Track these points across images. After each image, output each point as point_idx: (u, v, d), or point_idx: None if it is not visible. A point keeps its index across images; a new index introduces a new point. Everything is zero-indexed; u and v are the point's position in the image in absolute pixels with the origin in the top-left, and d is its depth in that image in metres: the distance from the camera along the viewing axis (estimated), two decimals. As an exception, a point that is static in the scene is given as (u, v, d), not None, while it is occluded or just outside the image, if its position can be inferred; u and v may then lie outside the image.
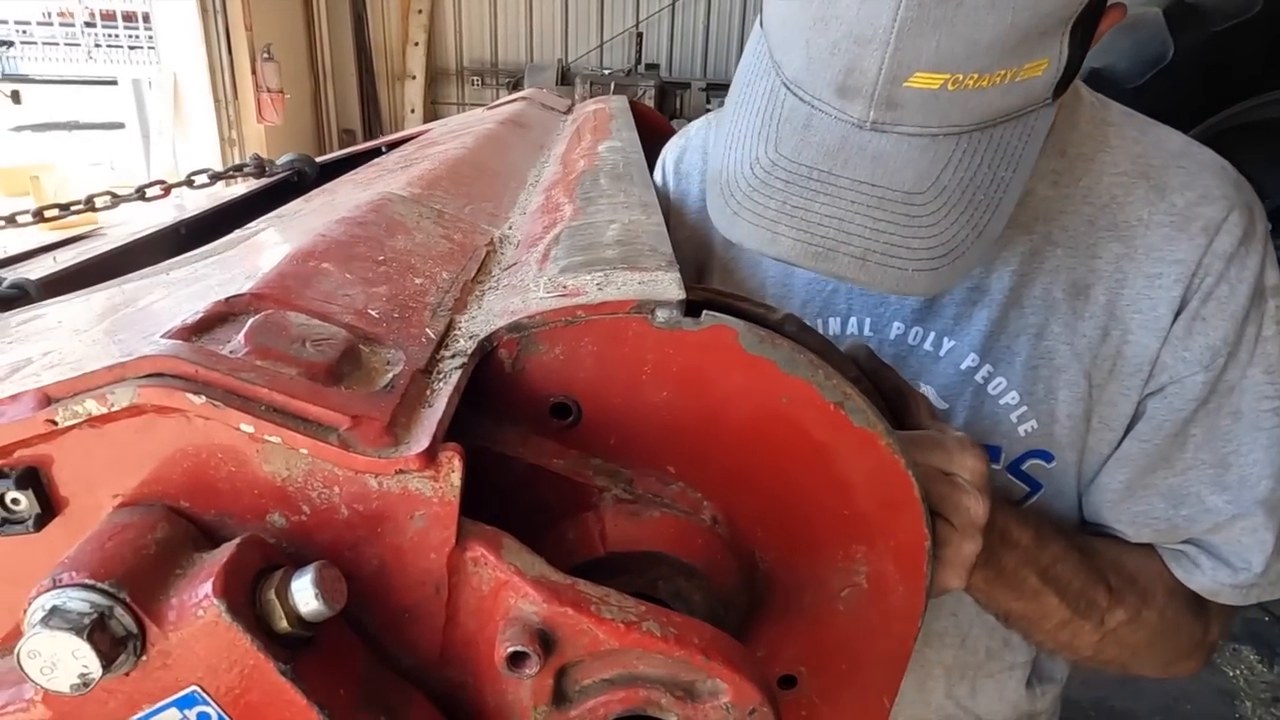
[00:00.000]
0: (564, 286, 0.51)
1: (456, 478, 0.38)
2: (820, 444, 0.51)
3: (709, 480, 0.52)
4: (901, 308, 0.83)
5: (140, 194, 1.54)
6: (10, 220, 1.40)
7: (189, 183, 1.54)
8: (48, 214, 1.43)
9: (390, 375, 0.41)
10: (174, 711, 0.34)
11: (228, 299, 0.42)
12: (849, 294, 0.85)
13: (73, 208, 1.44)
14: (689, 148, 1.03)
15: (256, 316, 0.40)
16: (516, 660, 0.39)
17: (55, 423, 0.35)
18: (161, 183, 1.56)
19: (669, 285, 0.50)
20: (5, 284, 0.88)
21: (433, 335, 0.47)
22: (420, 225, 0.66)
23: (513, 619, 0.39)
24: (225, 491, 0.38)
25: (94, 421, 0.36)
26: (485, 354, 0.48)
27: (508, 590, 0.40)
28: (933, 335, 0.82)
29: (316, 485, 0.38)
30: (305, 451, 0.36)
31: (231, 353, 0.38)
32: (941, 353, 0.81)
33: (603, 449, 0.51)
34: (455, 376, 0.43)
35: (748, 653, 0.42)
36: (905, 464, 0.52)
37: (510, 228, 0.76)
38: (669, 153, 1.05)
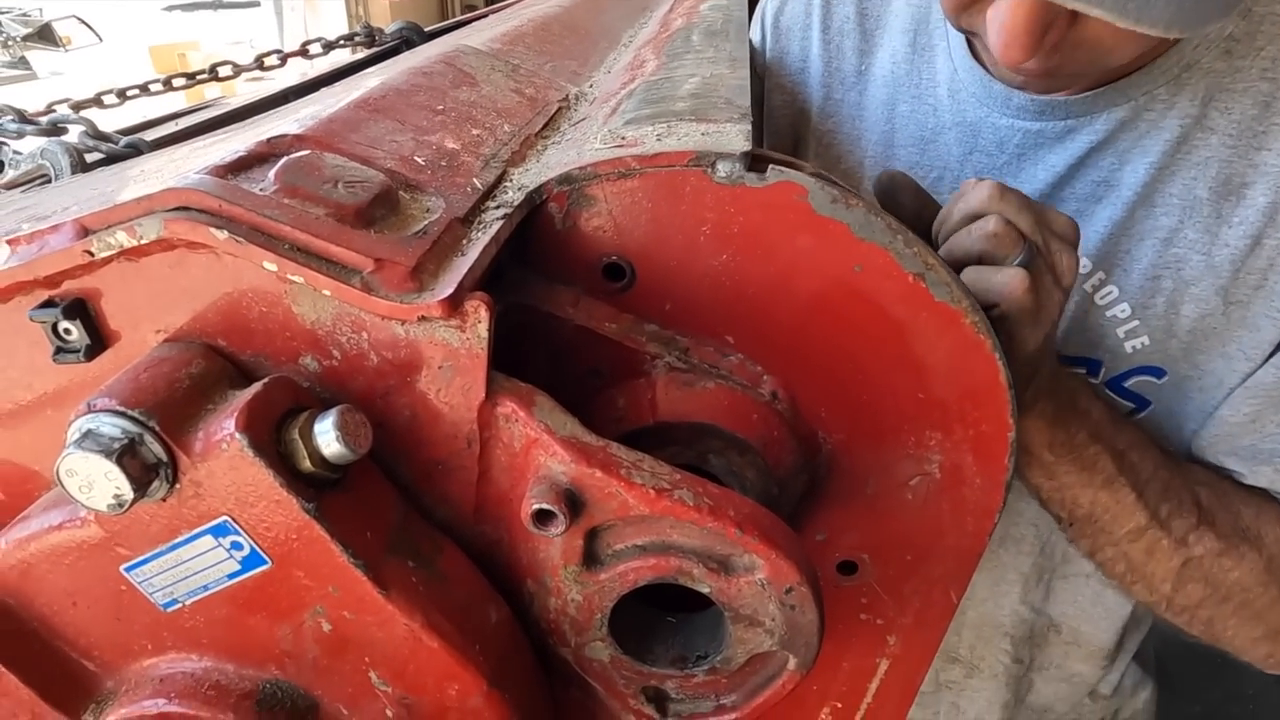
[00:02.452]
0: (622, 138, 0.48)
1: (483, 328, 0.36)
2: (896, 320, 0.46)
3: (770, 353, 0.49)
4: None
5: (259, 63, 1.57)
6: (144, 89, 1.46)
7: (304, 52, 1.56)
8: (175, 83, 1.48)
9: (426, 222, 0.39)
10: (209, 539, 0.35)
11: (269, 139, 0.41)
12: (954, 180, 0.76)
13: (198, 77, 1.49)
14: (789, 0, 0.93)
15: (290, 155, 0.39)
16: (542, 518, 0.38)
17: (91, 254, 0.35)
18: (279, 52, 1.58)
19: (734, 137, 0.45)
20: (122, 143, 0.92)
21: (480, 185, 0.45)
22: (490, 78, 0.63)
23: (541, 477, 0.38)
24: (259, 332, 0.37)
25: (129, 254, 0.36)
26: (534, 208, 0.45)
27: (537, 448, 0.38)
28: None
29: (345, 330, 0.37)
30: (328, 293, 0.35)
31: (261, 190, 0.37)
32: None
33: (658, 314, 0.48)
34: (495, 227, 0.41)
35: (788, 530, 0.40)
36: (992, 345, 0.46)
37: (591, 85, 0.71)
38: (767, 5, 0.95)
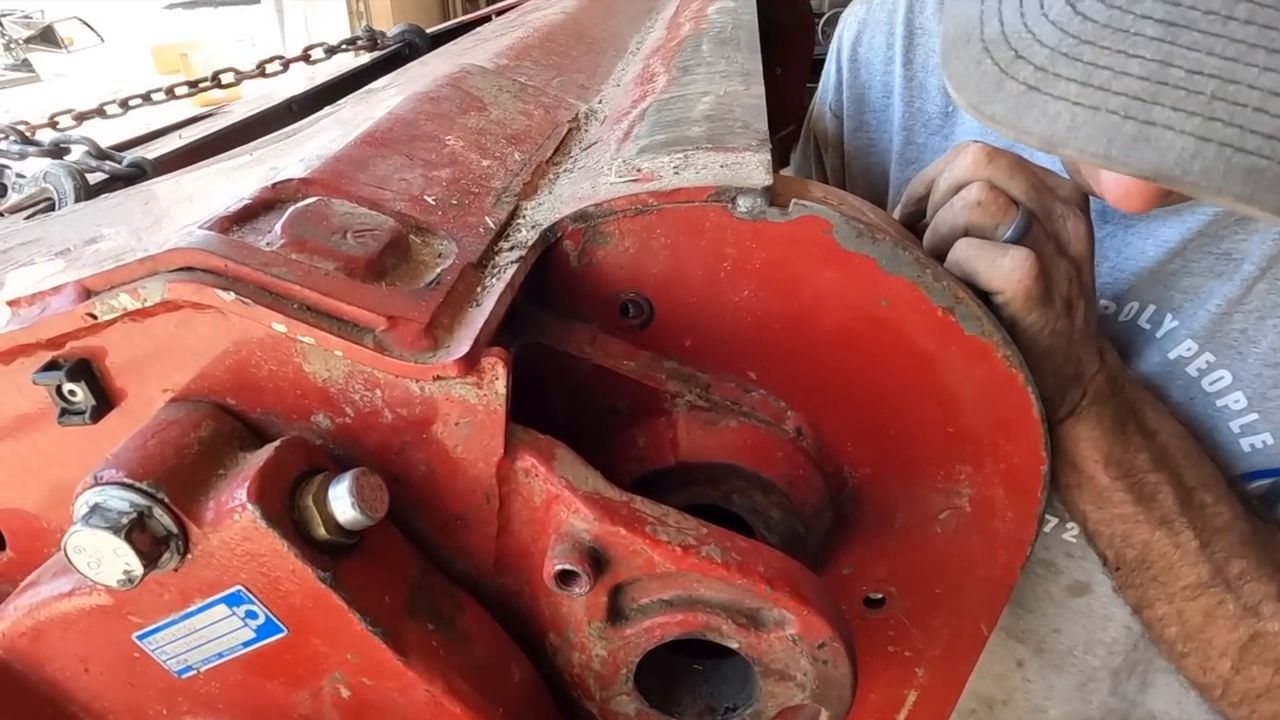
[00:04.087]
0: (638, 170, 0.46)
1: (501, 385, 0.35)
2: (924, 353, 0.45)
3: (794, 389, 0.47)
4: (1114, 280, 0.62)
5: (260, 70, 1.55)
6: (146, 98, 1.45)
7: (306, 58, 1.55)
8: (178, 91, 1.47)
9: (439, 270, 0.38)
10: (222, 608, 0.34)
11: (275, 185, 0.40)
12: None
13: (200, 85, 1.48)
14: (870, 22, 0.80)
15: (296, 206, 0.37)
16: (565, 578, 0.36)
17: (94, 316, 0.34)
18: (281, 58, 1.57)
19: (754, 169, 0.44)
20: (125, 162, 0.91)
21: (493, 224, 0.43)
22: (498, 100, 0.61)
23: (563, 534, 0.37)
24: (269, 390, 0.36)
25: (134, 315, 0.35)
26: (549, 245, 0.44)
27: (559, 504, 0.37)
28: (1151, 310, 0.61)
29: (358, 387, 0.36)
30: (340, 354, 0.34)
31: (268, 245, 0.35)
32: (1159, 333, 0.61)
33: (677, 351, 0.47)
34: (510, 272, 0.40)
35: (819, 583, 0.38)
36: (1024, 379, 0.45)
37: (600, 101, 0.70)
38: (845, 30, 0.84)
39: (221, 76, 1.62)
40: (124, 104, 1.51)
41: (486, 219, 0.44)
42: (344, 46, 1.61)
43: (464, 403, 0.36)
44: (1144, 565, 0.53)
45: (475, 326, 0.35)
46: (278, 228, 0.36)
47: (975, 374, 0.45)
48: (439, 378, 0.34)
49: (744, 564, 0.37)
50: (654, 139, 0.51)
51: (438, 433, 0.37)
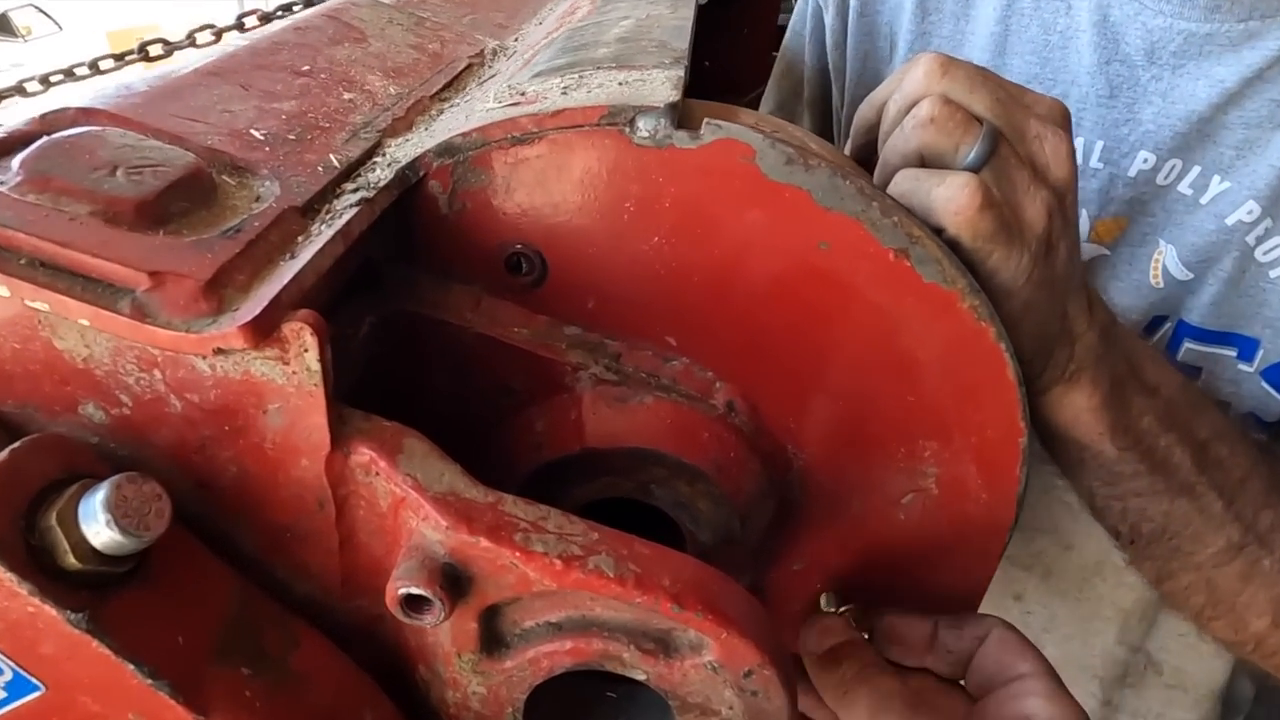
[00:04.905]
0: (521, 94, 0.38)
1: (313, 358, 0.27)
2: (875, 307, 0.37)
3: (722, 356, 0.39)
4: (1158, 129, 0.56)
5: (191, 40, 1.45)
6: (69, 74, 1.34)
7: (240, 26, 1.44)
8: (103, 65, 1.37)
9: (245, 215, 0.30)
10: (-44, 663, 0.26)
11: (44, 115, 0.31)
12: (1082, 98, 0.58)
13: (128, 58, 1.37)
14: None
15: (49, 137, 0.29)
16: (413, 604, 0.28)
17: None
18: (211, 27, 1.46)
19: (660, 85, 0.36)
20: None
21: (337, 162, 0.35)
22: (384, 33, 0.52)
23: (412, 548, 0.29)
24: (18, 375, 0.28)
25: None
26: (409, 188, 0.36)
27: (406, 509, 0.29)
28: (1196, 172, 0.55)
29: (130, 368, 0.27)
30: (86, 323, 0.25)
31: (1, 184, 0.27)
32: (1205, 198, 0.55)
33: (579, 314, 0.39)
34: (347, 217, 0.31)
35: (744, 596, 0.31)
36: (996, 334, 0.37)
37: (516, 39, 0.61)
38: None
39: (150, 48, 1.52)
40: (45, 80, 1.40)
41: (331, 156, 0.35)
42: (280, 13, 1.51)
43: (269, 384, 0.27)
44: (1164, 536, 0.46)
45: (278, 284, 0.27)
46: (15, 163, 0.27)
47: (937, 330, 0.37)
48: (221, 351, 0.26)
49: (644, 577, 0.29)
50: (552, 64, 0.42)
51: (244, 424, 0.28)
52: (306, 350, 0.26)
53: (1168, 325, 0.59)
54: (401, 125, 0.41)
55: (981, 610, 0.65)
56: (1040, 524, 0.63)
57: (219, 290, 0.26)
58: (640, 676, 0.31)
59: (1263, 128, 0.53)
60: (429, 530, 0.28)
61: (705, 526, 0.40)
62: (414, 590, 0.28)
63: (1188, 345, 0.58)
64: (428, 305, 0.37)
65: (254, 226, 0.29)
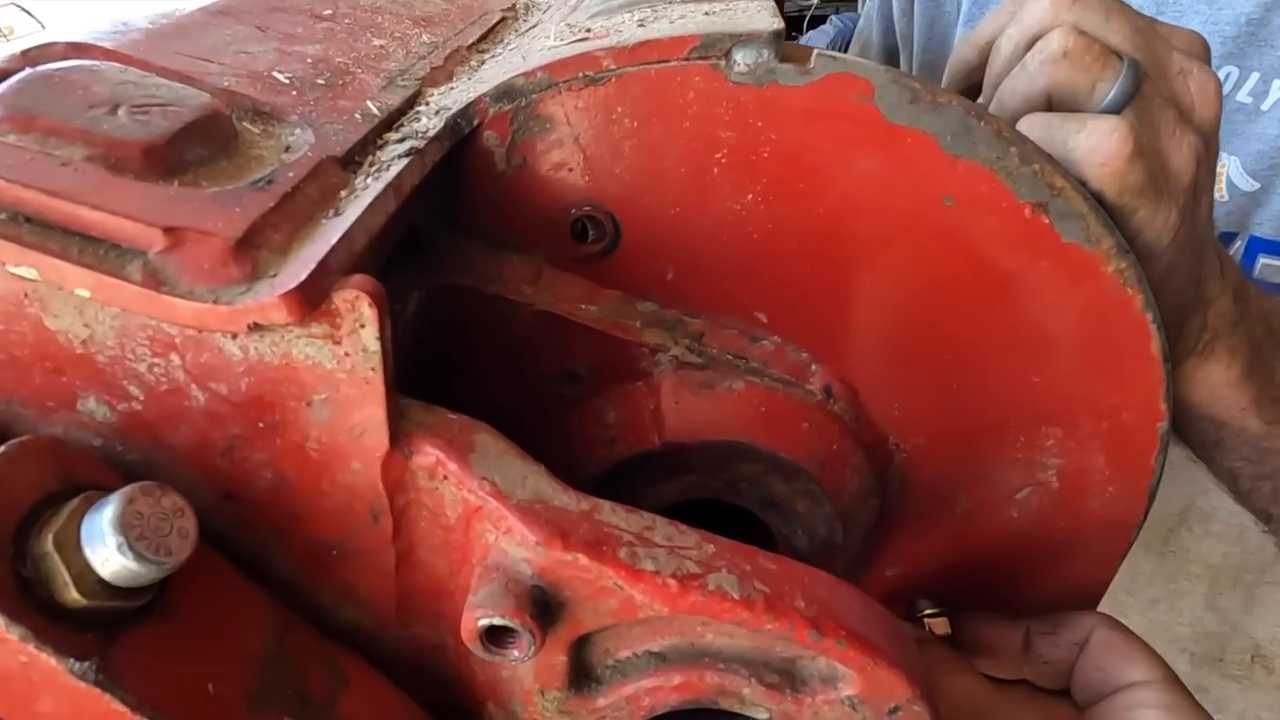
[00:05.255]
0: (587, 30, 0.32)
1: (371, 336, 0.21)
2: (1005, 273, 0.32)
3: (820, 332, 0.34)
4: (1208, 37, 0.49)
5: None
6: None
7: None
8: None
9: (276, 166, 0.24)
10: (-71, 724, 0.21)
11: (26, 51, 0.26)
12: None
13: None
14: None
15: (34, 69, 0.23)
16: (496, 637, 0.23)
17: None
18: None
19: (754, 14, 0.30)
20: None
21: (377, 111, 0.30)
22: (408, -18, 0.47)
23: (492, 567, 0.24)
24: (3, 363, 0.22)
25: None
26: (460, 140, 0.30)
27: (482, 520, 0.24)
28: (1255, 78, 0.52)
29: (142, 352, 0.22)
30: (86, 293, 0.20)
31: (-26, 124, 0.21)
32: (1266, 103, 0.52)
33: (655, 287, 0.33)
34: (396, 169, 0.26)
35: (888, 619, 0.26)
36: (1143, 303, 0.32)
37: (548, -4, 0.56)
38: None
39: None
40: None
41: (370, 104, 0.30)
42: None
43: (315, 369, 0.22)
44: None
45: (325, 245, 0.21)
46: (-8, 97, 0.22)
47: (1075, 299, 0.32)
48: (258, 326, 0.20)
49: (774, 598, 0.24)
50: (611, 3, 0.37)
51: (282, 419, 0.23)
52: (364, 326, 0.21)
53: (1238, 242, 0.56)
54: (441, 75, 0.35)
55: None
56: None
57: (253, 251, 0.21)
58: (762, 715, 0.26)
59: None
60: (513, 546, 0.23)
61: (802, 530, 0.35)
62: (498, 621, 0.22)
63: (1264, 261, 0.56)
64: (480, 278, 0.32)
65: (288, 178, 0.24)
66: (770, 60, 0.29)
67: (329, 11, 0.38)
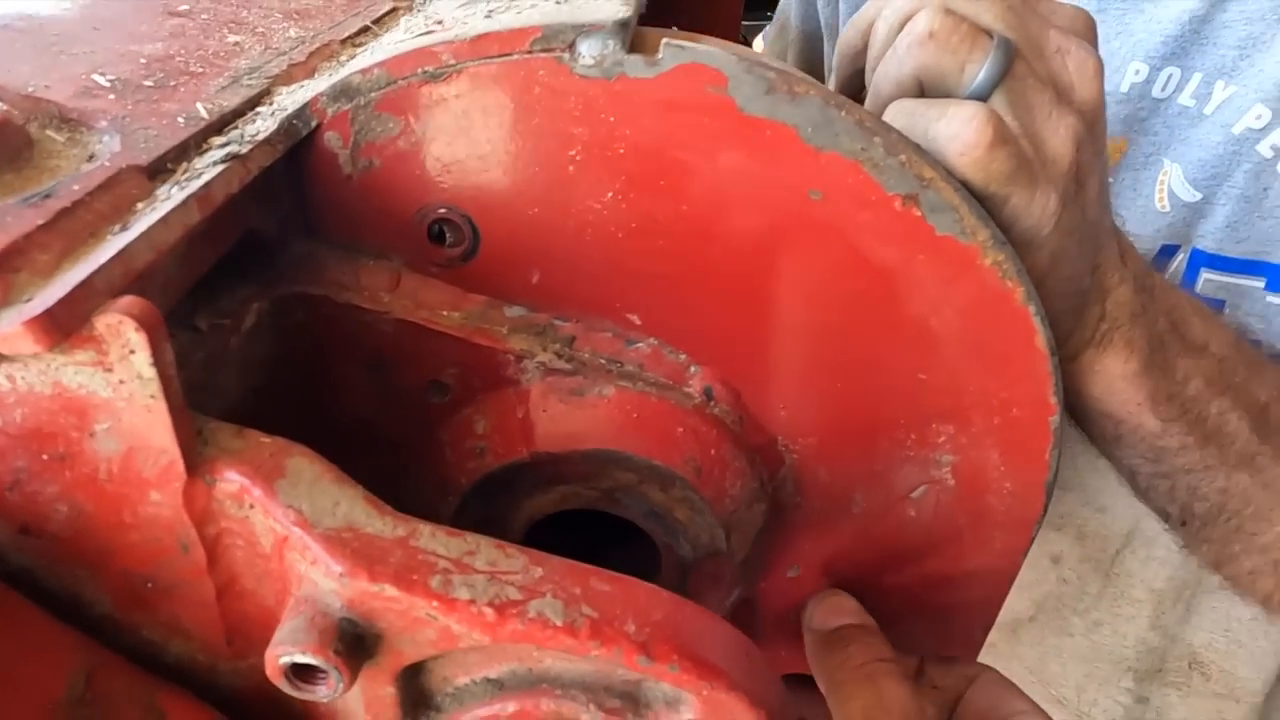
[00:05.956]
0: (438, 22, 0.31)
1: (143, 362, 0.20)
2: (879, 267, 0.30)
3: (696, 333, 0.33)
4: (1148, 35, 0.50)
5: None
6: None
7: None
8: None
9: (67, 177, 0.23)
10: None
11: None
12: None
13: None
14: None
15: None
16: (302, 674, 0.22)
17: None
18: None
19: (605, 2, 0.29)
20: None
21: (207, 113, 0.28)
22: (292, -28, 0.45)
23: (301, 600, 0.22)
24: None
25: None
26: (299, 142, 0.29)
27: (292, 550, 0.22)
28: (1197, 79, 0.49)
29: (-99, 383, 0.20)
30: None
31: None
32: (1208, 108, 0.49)
33: (521, 291, 0.32)
34: (208, 176, 0.25)
35: (733, 638, 0.24)
36: (1024, 295, 0.31)
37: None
38: None
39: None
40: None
41: (199, 105, 0.28)
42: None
43: (91, 398, 0.21)
44: (1221, 516, 0.40)
45: (92, 265, 0.20)
46: None
47: (955, 294, 0.31)
48: (6, 357, 0.19)
49: (601, 623, 0.22)
50: (481, -9, 0.35)
51: (67, 450, 0.22)
52: (133, 351, 0.20)
53: (1180, 255, 0.53)
54: (300, 72, 0.34)
55: (1024, 571, 0.59)
56: (1065, 482, 0.56)
57: (8, 275, 0.19)
58: (605, 742, 0.25)
59: (1265, 21, 0.47)
60: (321, 577, 0.22)
61: (684, 539, 0.34)
62: (300, 658, 0.21)
63: (1205, 276, 0.53)
64: (333, 286, 0.31)
65: (72, 191, 0.22)
66: (616, 51, 0.27)
67: (185, 7, 0.36)
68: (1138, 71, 0.51)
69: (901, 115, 0.31)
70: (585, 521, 0.35)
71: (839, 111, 0.28)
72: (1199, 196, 0.50)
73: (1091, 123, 0.32)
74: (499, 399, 0.32)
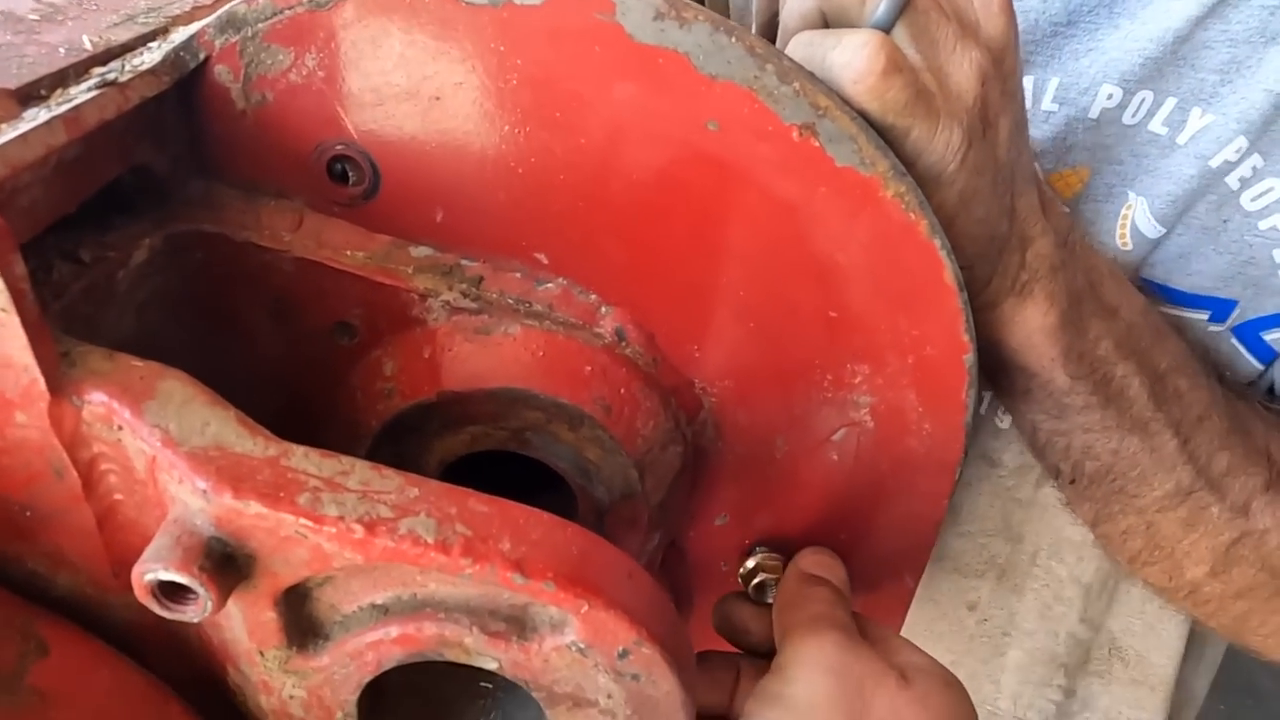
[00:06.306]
0: (332, -44, 0.30)
1: (-12, 271, 0.20)
2: (781, 200, 0.30)
3: (605, 272, 0.33)
4: (1124, 55, 0.46)
5: None
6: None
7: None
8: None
9: (-74, 98, 0.22)
10: None
11: None
12: (1028, 39, 0.47)
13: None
14: None
15: None
16: (170, 593, 0.22)
17: None
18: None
19: (496, -71, 0.28)
20: None
21: (90, 44, 0.28)
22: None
23: (172, 521, 0.22)
24: None
25: None
26: (188, 76, 0.28)
27: (162, 471, 0.22)
28: (1171, 105, 0.45)
29: None
30: None
31: None
32: (1181, 137, 0.45)
33: (426, 230, 0.32)
34: (79, 101, 0.24)
35: (614, 557, 0.24)
36: (928, 229, 0.31)
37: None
38: None
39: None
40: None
41: (84, 38, 0.28)
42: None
43: (-60, 312, 0.20)
44: (1108, 477, 0.40)
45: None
46: None
47: (858, 227, 0.31)
48: None
49: (475, 541, 0.22)
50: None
51: (-76, 370, 0.21)
52: (-27, 259, 0.19)
53: None
54: (204, 13, 0.33)
55: (936, 623, 0.59)
56: (992, 528, 0.57)
57: None
58: (491, 665, 0.25)
59: (1252, 43, 0.43)
60: (188, 496, 0.22)
61: (597, 480, 0.34)
62: (164, 575, 0.21)
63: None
64: (232, 226, 0.30)
65: (-74, 109, 0.22)
66: (501, -23, 0.27)
67: (90, -48, 0.35)
68: (1110, 96, 0.46)
69: (801, 46, 0.31)
70: (504, 471, 0.35)
71: (728, 38, 0.27)
72: (1161, 232, 0.46)
73: (999, 59, 0.32)
74: (406, 339, 0.32)
